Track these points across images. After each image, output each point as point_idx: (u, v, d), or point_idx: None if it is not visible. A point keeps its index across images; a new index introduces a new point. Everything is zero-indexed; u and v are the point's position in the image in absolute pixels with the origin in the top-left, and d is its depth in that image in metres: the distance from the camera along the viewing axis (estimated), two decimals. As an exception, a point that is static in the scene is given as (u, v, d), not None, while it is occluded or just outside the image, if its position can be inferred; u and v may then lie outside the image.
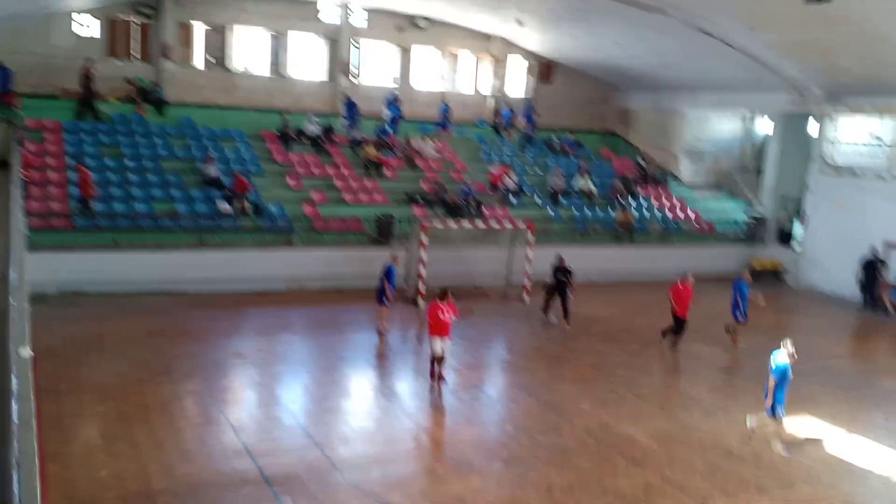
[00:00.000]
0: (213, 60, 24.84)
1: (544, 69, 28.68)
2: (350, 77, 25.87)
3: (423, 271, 17.75)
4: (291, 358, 14.22)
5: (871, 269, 20.15)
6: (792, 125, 24.45)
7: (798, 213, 24.19)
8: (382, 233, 19.79)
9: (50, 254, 15.94)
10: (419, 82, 27.38)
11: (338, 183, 21.80)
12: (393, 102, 24.71)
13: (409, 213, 20.76)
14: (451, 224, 18.72)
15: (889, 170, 20.78)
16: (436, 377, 12.35)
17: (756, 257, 23.77)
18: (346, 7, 24.64)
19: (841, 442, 11.11)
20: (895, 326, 19.05)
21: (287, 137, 22.68)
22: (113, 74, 22.54)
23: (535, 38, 26.47)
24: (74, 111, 21.16)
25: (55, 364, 11.99)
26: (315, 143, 22.93)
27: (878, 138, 21.08)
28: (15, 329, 3.88)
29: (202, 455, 9.53)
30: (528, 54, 28.24)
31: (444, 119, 25.56)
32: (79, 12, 22.23)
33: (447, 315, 12.18)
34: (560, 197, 23.85)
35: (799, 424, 11.47)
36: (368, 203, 21.30)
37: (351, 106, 23.94)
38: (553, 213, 23.12)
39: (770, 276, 23.05)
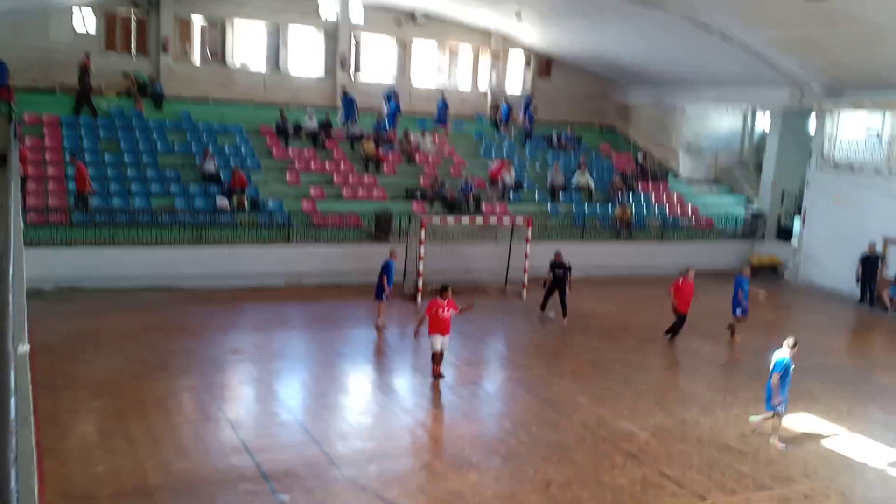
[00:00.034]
0: (211, 55, 24.79)
1: (543, 64, 28.60)
2: (348, 72, 25.80)
3: (421, 267, 17.76)
4: (289, 354, 14.21)
5: (870, 266, 20.15)
6: (791, 121, 24.41)
7: (797, 208, 24.16)
8: (381, 228, 19.76)
9: (47, 249, 15.95)
10: (418, 77, 27.33)
11: (336, 178, 21.78)
12: (391, 97, 24.67)
13: (408, 209, 20.73)
14: (450, 220, 18.70)
15: (887, 166, 20.77)
16: (435, 374, 12.34)
17: (755, 253, 23.78)
18: (345, 1, 24.56)
19: (838, 437, 11.13)
20: (892, 322, 19.05)
21: (285, 133, 22.64)
22: (111, 69, 22.49)
23: (534, 33, 26.40)
24: (72, 106, 21.11)
25: (52, 360, 11.97)
26: (313, 138, 22.89)
27: (878, 135, 21.05)
28: (12, 325, 3.85)
29: (199, 451, 9.52)
30: (527, 49, 28.19)
31: (441, 114, 25.52)
32: (78, 6, 22.16)
33: (447, 312, 12.16)
34: (559, 192, 23.83)
35: (796, 419, 11.47)
36: (367, 199, 21.27)
37: (349, 102, 23.89)
38: (552, 209, 23.10)
39: (768, 272, 23.03)
